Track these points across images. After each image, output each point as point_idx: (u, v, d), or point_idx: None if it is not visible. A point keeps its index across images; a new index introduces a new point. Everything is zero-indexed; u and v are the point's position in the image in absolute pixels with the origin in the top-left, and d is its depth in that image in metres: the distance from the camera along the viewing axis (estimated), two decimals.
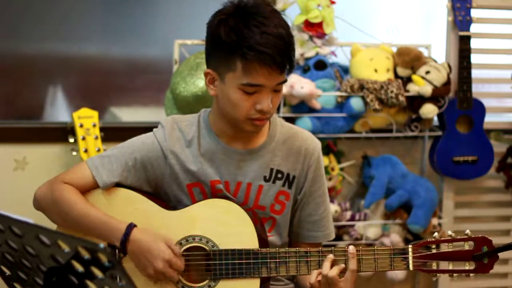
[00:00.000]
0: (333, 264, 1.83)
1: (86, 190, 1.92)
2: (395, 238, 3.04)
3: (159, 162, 1.94)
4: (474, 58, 3.10)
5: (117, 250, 1.87)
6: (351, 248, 1.84)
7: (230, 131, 1.93)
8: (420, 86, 2.97)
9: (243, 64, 1.78)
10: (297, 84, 2.80)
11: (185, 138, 1.96)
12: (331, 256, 1.84)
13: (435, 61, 3.05)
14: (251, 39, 1.76)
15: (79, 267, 1.32)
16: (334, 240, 2.11)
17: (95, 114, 2.73)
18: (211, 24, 1.84)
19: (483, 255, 1.82)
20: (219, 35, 1.80)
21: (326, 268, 1.82)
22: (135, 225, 1.84)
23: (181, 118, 2.00)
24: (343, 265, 1.83)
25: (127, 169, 1.93)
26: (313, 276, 1.84)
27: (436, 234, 1.85)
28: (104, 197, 1.92)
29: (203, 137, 1.96)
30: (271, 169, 1.97)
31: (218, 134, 1.95)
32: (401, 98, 2.90)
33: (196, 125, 1.97)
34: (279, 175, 1.98)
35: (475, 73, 3.09)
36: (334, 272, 1.81)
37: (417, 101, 2.99)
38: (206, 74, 1.89)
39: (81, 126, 2.69)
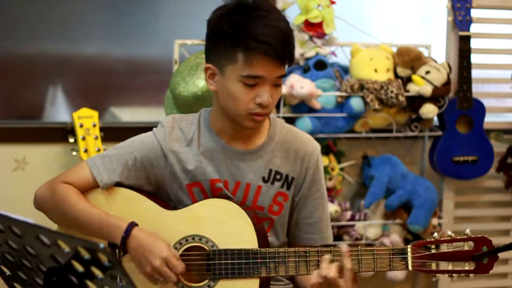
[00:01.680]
0: (330, 264, 1.83)
1: (86, 190, 1.93)
2: (395, 238, 3.04)
3: (159, 162, 1.94)
4: (474, 58, 3.10)
5: (117, 250, 1.87)
6: (344, 247, 1.84)
7: (230, 130, 1.93)
8: (420, 86, 2.96)
9: (245, 55, 1.79)
10: (297, 84, 2.80)
11: (185, 137, 1.96)
12: (327, 256, 1.83)
13: (435, 61, 3.05)
14: (254, 30, 1.78)
15: (79, 267, 1.32)
16: (334, 240, 2.11)
17: (95, 114, 2.73)
18: (212, 19, 1.86)
19: (482, 255, 1.81)
20: (221, 28, 1.82)
21: (324, 269, 1.82)
22: (136, 224, 1.85)
23: (181, 118, 2.00)
24: (339, 264, 1.82)
25: (127, 169, 1.93)
26: (314, 277, 1.83)
27: (435, 234, 1.84)
28: (104, 196, 1.93)
29: (203, 136, 1.96)
30: (270, 170, 1.97)
31: (218, 133, 1.95)
32: (401, 98, 2.90)
33: (196, 124, 1.97)
34: (278, 176, 1.98)
35: (475, 73, 3.09)
36: (332, 272, 1.80)
37: (417, 101, 2.99)
38: (206, 69, 1.89)
39: (81, 126, 2.69)
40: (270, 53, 1.78)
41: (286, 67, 1.86)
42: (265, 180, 1.97)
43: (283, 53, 1.80)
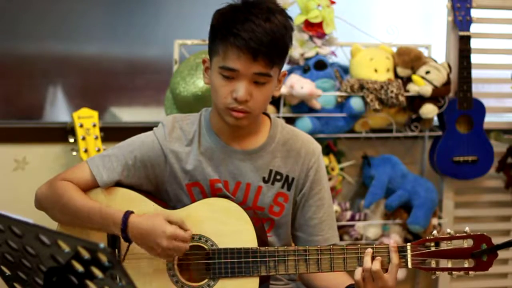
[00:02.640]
0: (373, 258, 1.83)
1: (86, 189, 1.93)
2: (395, 238, 3.04)
3: (159, 161, 1.94)
4: (474, 58, 3.10)
5: (117, 250, 1.87)
6: (392, 242, 1.85)
7: (228, 129, 1.93)
8: (420, 86, 2.97)
9: (222, 46, 1.82)
10: (297, 84, 2.80)
11: (186, 137, 1.96)
12: (370, 250, 1.83)
13: (435, 61, 3.06)
14: (233, 24, 1.81)
15: (79, 267, 1.32)
16: None
17: (95, 114, 2.73)
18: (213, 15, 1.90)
19: (482, 253, 1.82)
20: (213, 22, 1.87)
21: (367, 262, 1.82)
22: (132, 212, 1.84)
23: (182, 117, 2.00)
24: (380, 258, 1.82)
25: (127, 168, 1.93)
26: (358, 273, 1.83)
27: (435, 232, 1.85)
28: (104, 196, 1.92)
29: (204, 136, 1.96)
30: (270, 170, 1.97)
31: (218, 133, 1.95)
32: (401, 98, 2.90)
33: (197, 124, 1.97)
34: (278, 177, 1.98)
35: (475, 73, 3.09)
36: (377, 265, 1.81)
37: (417, 101, 2.99)
38: (203, 62, 1.94)
39: (81, 126, 2.69)
40: (242, 47, 1.79)
41: (269, 67, 1.83)
42: (265, 181, 1.97)
43: (257, 50, 1.79)
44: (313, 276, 2.02)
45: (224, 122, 1.91)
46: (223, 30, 1.82)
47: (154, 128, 1.99)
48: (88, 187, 1.93)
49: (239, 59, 1.80)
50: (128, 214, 1.83)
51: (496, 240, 1.85)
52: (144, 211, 1.90)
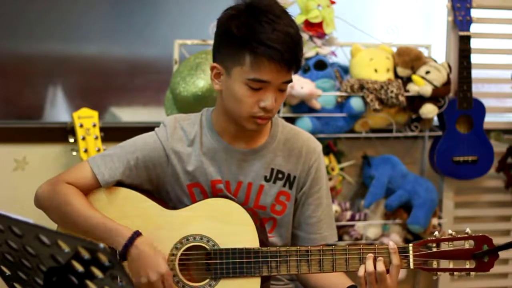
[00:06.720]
0: (375, 261, 1.83)
1: (88, 189, 1.92)
2: (395, 238, 3.04)
3: (161, 162, 1.94)
4: (474, 58, 3.10)
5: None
6: (392, 244, 1.84)
7: (232, 130, 1.93)
8: (420, 86, 2.97)
9: (252, 58, 1.79)
10: (297, 84, 2.80)
11: (187, 137, 1.96)
12: (371, 255, 1.83)
13: (435, 61, 3.05)
14: (262, 34, 1.77)
15: (79, 267, 1.32)
16: None
17: (95, 114, 2.73)
18: (222, 19, 1.86)
19: (483, 254, 1.82)
20: (230, 29, 1.82)
21: (370, 265, 1.82)
22: (140, 233, 1.84)
23: (183, 117, 2.00)
24: (382, 258, 1.82)
25: (128, 168, 1.93)
26: (362, 270, 1.83)
27: (436, 233, 1.85)
28: (105, 196, 1.92)
29: (205, 136, 1.96)
30: (272, 169, 1.97)
31: (220, 133, 1.96)
32: (401, 98, 2.90)
33: (198, 124, 1.97)
34: (280, 175, 1.98)
35: (475, 73, 3.09)
36: (382, 267, 1.81)
37: (417, 101, 2.99)
38: (212, 68, 1.90)
39: (81, 126, 2.69)
40: (277, 59, 1.78)
41: (293, 72, 1.86)
42: (267, 179, 1.97)
43: (290, 60, 1.80)
44: (309, 276, 2.02)
45: (234, 125, 1.91)
46: (252, 42, 1.78)
47: (156, 129, 1.99)
48: (90, 187, 1.92)
49: (271, 71, 1.79)
50: (137, 234, 1.83)
51: (496, 240, 1.86)
52: (146, 210, 1.90)
